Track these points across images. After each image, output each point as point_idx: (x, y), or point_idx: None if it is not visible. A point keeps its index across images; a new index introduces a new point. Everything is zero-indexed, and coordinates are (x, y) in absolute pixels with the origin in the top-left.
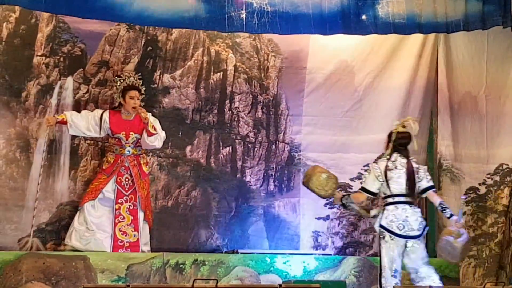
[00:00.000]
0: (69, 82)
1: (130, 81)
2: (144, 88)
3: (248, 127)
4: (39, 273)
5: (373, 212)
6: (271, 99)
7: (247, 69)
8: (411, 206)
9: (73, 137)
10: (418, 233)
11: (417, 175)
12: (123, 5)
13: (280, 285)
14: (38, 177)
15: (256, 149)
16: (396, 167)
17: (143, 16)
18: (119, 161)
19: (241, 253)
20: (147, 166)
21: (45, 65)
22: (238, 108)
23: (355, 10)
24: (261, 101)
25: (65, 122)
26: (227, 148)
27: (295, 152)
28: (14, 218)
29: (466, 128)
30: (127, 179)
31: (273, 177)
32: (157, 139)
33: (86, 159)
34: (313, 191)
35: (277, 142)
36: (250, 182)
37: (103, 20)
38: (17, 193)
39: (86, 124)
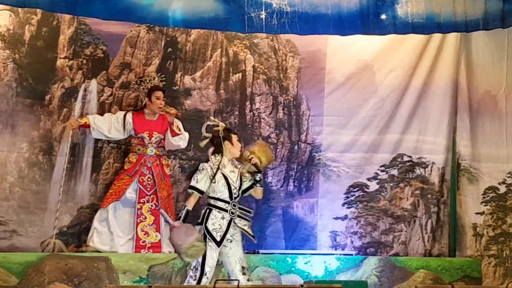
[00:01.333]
0: (93, 84)
1: (155, 82)
2: (166, 91)
3: (270, 128)
4: (61, 274)
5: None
6: (292, 99)
7: (265, 70)
8: None
9: (97, 140)
10: None
11: None
12: (144, 7)
13: (301, 285)
14: (60, 180)
15: (278, 150)
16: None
17: (163, 17)
18: (141, 161)
19: (262, 253)
20: (168, 168)
21: (69, 67)
22: (259, 109)
23: (374, 10)
24: (282, 102)
25: (88, 126)
26: None
27: (315, 152)
28: (36, 221)
29: (485, 127)
30: (149, 179)
31: (293, 177)
32: (182, 139)
33: (109, 162)
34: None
35: (299, 142)
36: (271, 183)
37: (124, 21)
38: (39, 196)
39: (108, 126)
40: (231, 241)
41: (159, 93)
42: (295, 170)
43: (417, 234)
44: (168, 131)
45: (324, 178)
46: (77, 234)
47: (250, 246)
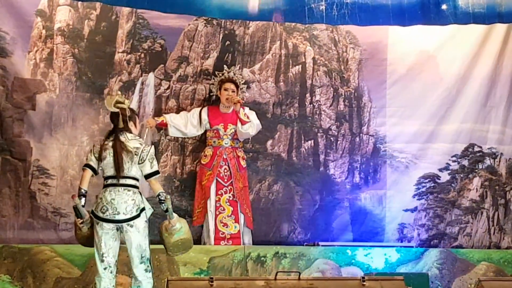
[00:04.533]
0: (151, 78)
1: (228, 75)
2: (238, 83)
3: (330, 120)
4: (123, 266)
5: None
6: (353, 91)
7: (326, 62)
8: (122, 188)
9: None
10: (124, 217)
11: (136, 157)
12: None
13: (363, 277)
14: None
15: (339, 142)
16: (110, 146)
17: (223, 9)
18: (217, 153)
19: (322, 245)
20: (244, 160)
21: (127, 61)
22: (319, 101)
23: (435, 0)
24: (343, 94)
25: (165, 124)
26: (309, 142)
27: (380, 144)
28: None
29: None
30: (225, 171)
31: (358, 169)
32: (251, 127)
33: (166, 155)
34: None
35: (361, 134)
36: (334, 175)
37: (184, 14)
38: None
39: (185, 122)
40: None
41: (227, 85)
42: (359, 162)
43: (483, 226)
44: (238, 120)
45: (392, 169)
46: None
47: (311, 239)
